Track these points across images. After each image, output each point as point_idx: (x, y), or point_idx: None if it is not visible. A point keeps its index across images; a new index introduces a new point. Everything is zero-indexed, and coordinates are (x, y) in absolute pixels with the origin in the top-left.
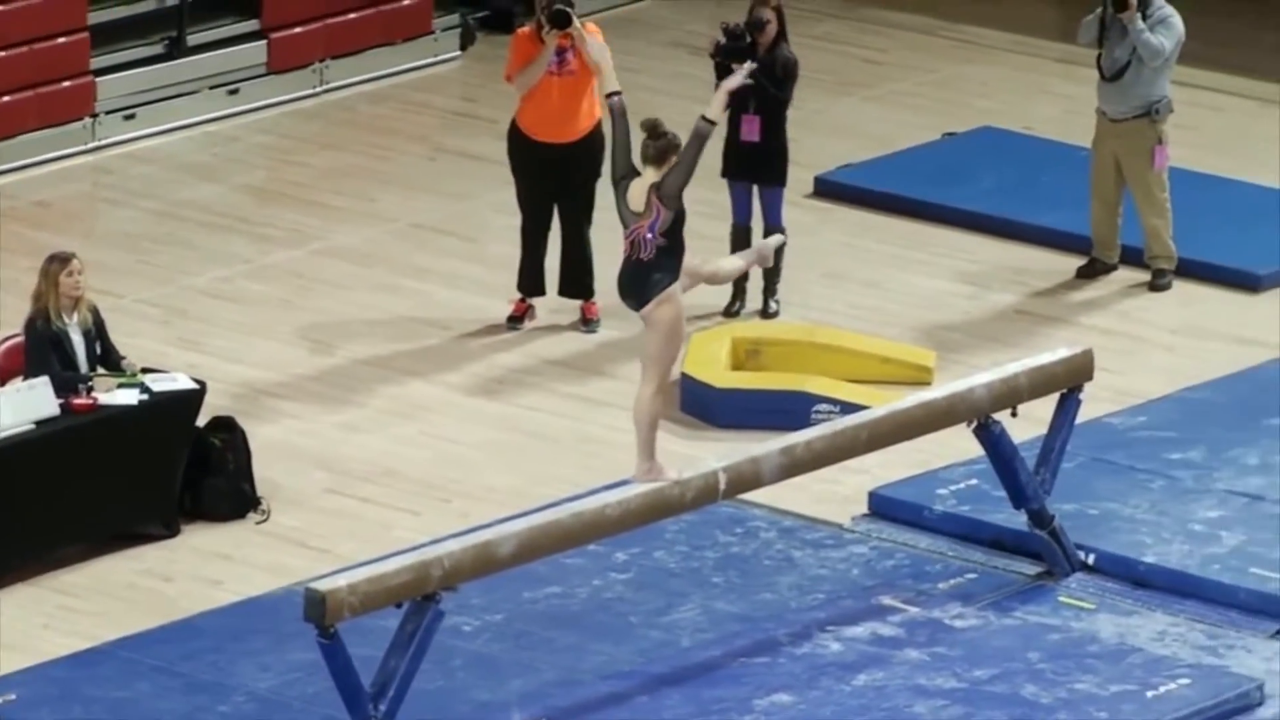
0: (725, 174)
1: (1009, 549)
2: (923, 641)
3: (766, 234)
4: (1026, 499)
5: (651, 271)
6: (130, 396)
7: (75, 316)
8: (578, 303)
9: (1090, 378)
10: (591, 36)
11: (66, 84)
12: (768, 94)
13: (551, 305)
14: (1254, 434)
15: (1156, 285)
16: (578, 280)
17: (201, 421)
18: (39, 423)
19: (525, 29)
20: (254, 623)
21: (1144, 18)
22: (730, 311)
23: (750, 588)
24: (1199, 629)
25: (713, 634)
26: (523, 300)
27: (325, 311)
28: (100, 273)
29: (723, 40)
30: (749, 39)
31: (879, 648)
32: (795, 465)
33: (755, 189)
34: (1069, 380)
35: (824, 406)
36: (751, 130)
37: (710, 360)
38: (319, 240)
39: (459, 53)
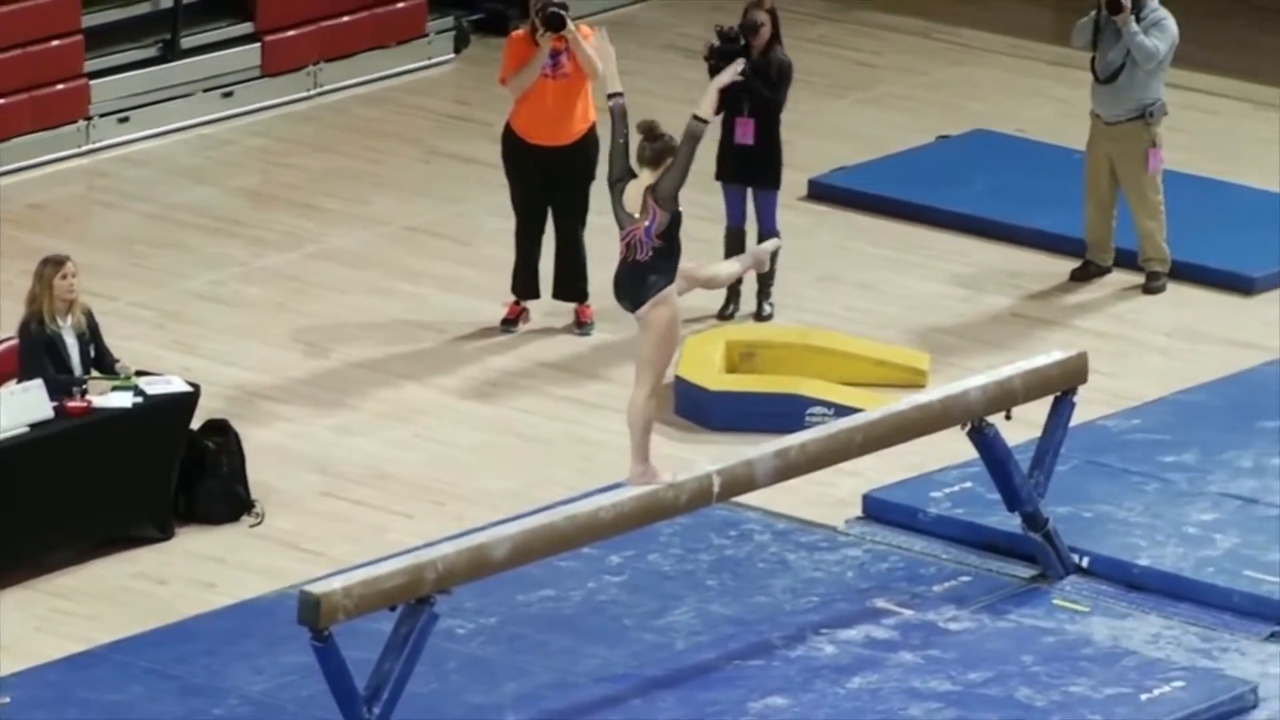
0: (719, 177)
1: (1003, 552)
2: (917, 644)
3: (761, 238)
4: (1021, 502)
5: (648, 273)
6: (124, 399)
7: (69, 319)
8: (572, 306)
9: (1084, 380)
10: (598, 36)
11: (61, 87)
12: (762, 97)
13: (546, 308)
14: (1248, 436)
15: (1150, 288)
16: (572, 283)
17: (196, 424)
18: (33, 425)
19: (519, 32)
20: (248, 626)
21: (1138, 20)
22: (724, 314)
23: (744, 590)
24: (1193, 632)
25: (707, 637)
26: (517, 303)
27: (319, 314)
28: (94, 275)
29: (717, 43)
30: (743, 42)
31: (873, 650)
32: (789, 468)
33: (749, 192)
34: (1063, 383)
35: (818, 409)
36: (745, 133)
37: (704, 363)
38: (313, 243)
39: (453, 56)
